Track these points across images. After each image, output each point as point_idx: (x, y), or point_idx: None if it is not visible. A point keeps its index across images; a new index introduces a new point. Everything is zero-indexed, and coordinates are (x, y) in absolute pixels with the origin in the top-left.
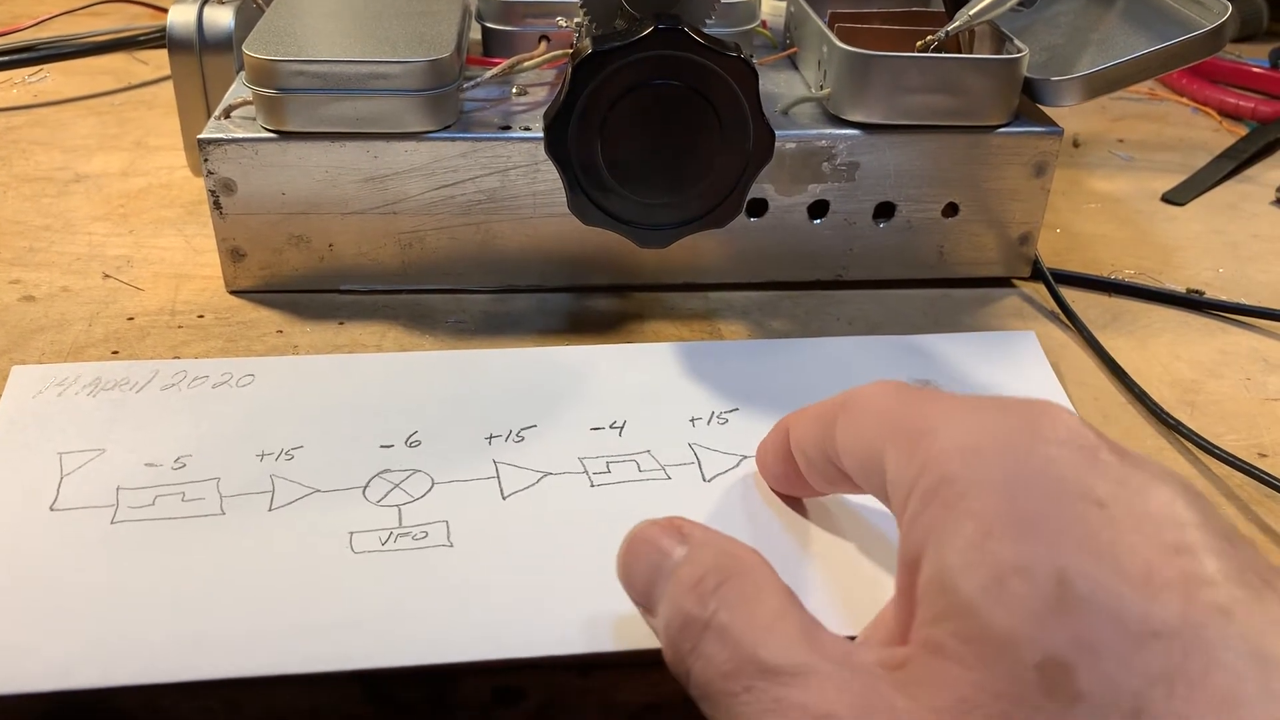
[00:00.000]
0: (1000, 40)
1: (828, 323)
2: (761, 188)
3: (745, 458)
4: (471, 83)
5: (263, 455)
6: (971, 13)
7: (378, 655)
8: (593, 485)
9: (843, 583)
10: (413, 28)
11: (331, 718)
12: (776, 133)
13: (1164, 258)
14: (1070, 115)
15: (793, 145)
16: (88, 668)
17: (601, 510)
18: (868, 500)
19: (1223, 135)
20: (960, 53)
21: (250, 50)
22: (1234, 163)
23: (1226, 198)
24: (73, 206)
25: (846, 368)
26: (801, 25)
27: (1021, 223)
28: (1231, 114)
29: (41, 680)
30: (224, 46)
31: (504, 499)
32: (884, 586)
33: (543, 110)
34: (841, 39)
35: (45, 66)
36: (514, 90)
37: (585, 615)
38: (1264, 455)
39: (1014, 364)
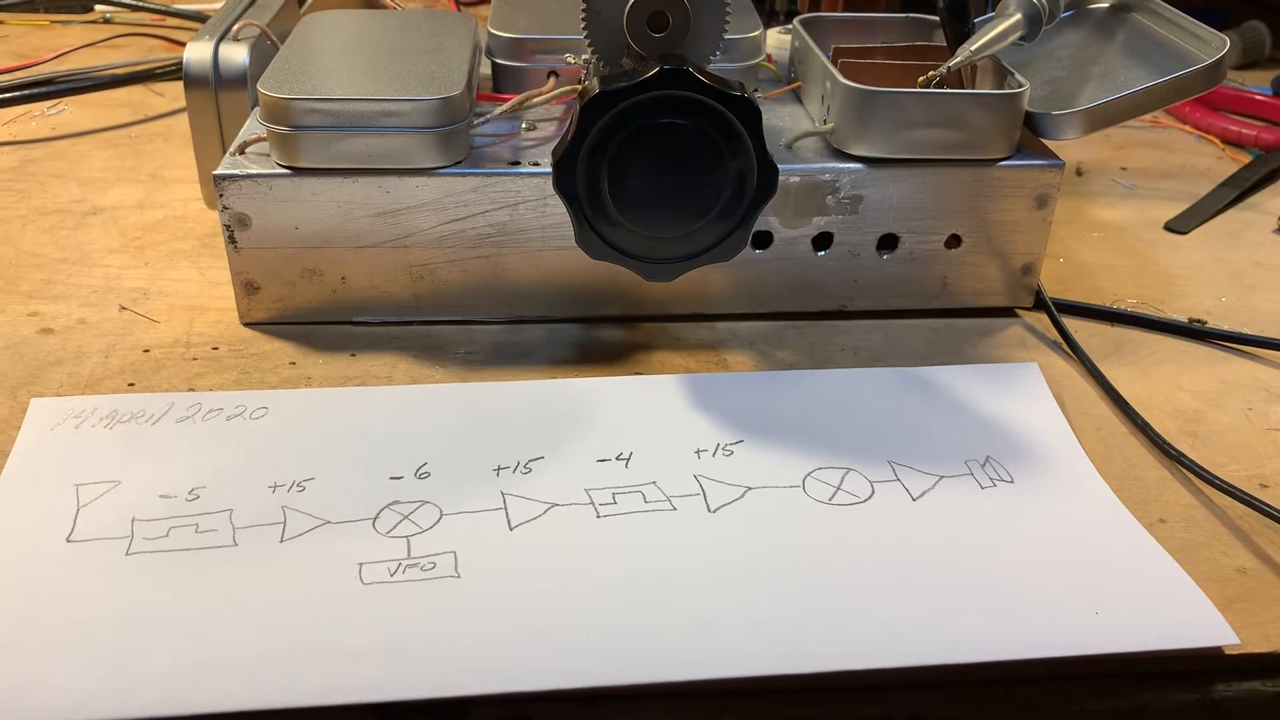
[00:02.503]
0: (1002, 75)
1: (833, 353)
2: (767, 220)
3: (750, 489)
4: (482, 119)
5: (275, 487)
6: (973, 48)
7: (387, 687)
8: (599, 516)
9: (845, 612)
10: (424, 65)
11: None
12: (781, 167)
13: (1166, 287)
14: (1073, 144)
15: (797, 179)
16: (102, 700)
17: (608, 542)
18: (870, 524)
19: (1225, 163)
20: (962, 87)
21: (265, 89)
22: (1236, 191)
23: (1229, 226)
24: (90, 239)
25: (851, 400)
26: (805, 60)
27: (1024, 254)
28: (1234, 142)
29: (57, 713)
30: (239, 83)
31: (511, 530)
32: (887, 614)
33: (551, 146)
34: (845, 74)
35: (63, 99)
36: (523, 126)
37: (592, 646)
38: (1265, 486)
39: (1018, 395)
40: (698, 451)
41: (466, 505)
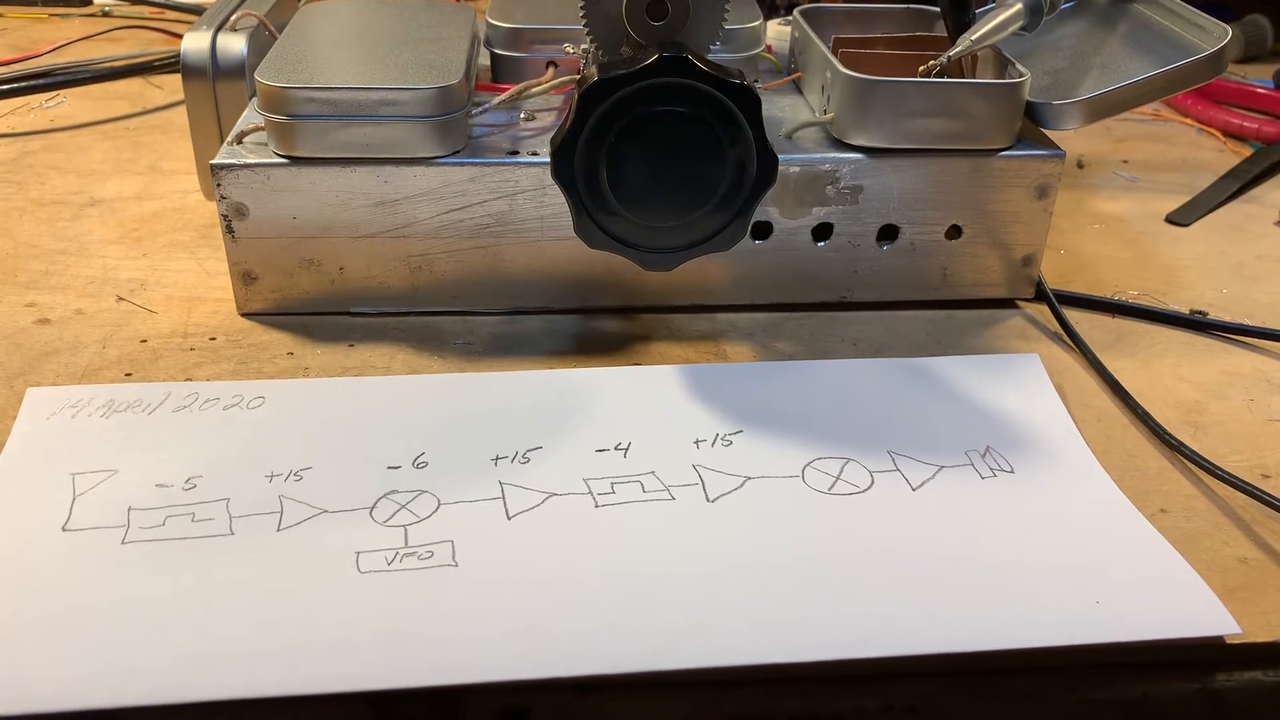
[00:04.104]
0: (1002, 64)
1: (832, 344)
2: (766, 211)
3: (749, 479)
4: (480, 108)
5: (272, 476)
6: (974, 38)
7: (384, 676)
8: (597, 506)
9: (844, 601)
10: (422, 55)
11: None
12: (781, 156)
13: (1168, 278)
14: (1074, 136)
15: (797, 169)
16: (97, 689)
17: (606, 531)
18: (869, 514)
19: (1227, 156)
20: (963, 77)
21: (262, 77)
22: (1238, 183)
23: (1230, 219)
24: (88, 230)
25: (850, 390)
26: (806, 50)
27: (1025, 244)
28: (1236, 135)
29: (51, 701)
30: (237, 73)
31: (509, 519)
32: (886, 603)
33: (550, 135)
34: (845, 64)
35: (62, 91)
36: (522, 116)
37: (590, 636)
38: (1267, 476)
39: (1018, 386)
40: (696, 441)
41: (464, 495)
